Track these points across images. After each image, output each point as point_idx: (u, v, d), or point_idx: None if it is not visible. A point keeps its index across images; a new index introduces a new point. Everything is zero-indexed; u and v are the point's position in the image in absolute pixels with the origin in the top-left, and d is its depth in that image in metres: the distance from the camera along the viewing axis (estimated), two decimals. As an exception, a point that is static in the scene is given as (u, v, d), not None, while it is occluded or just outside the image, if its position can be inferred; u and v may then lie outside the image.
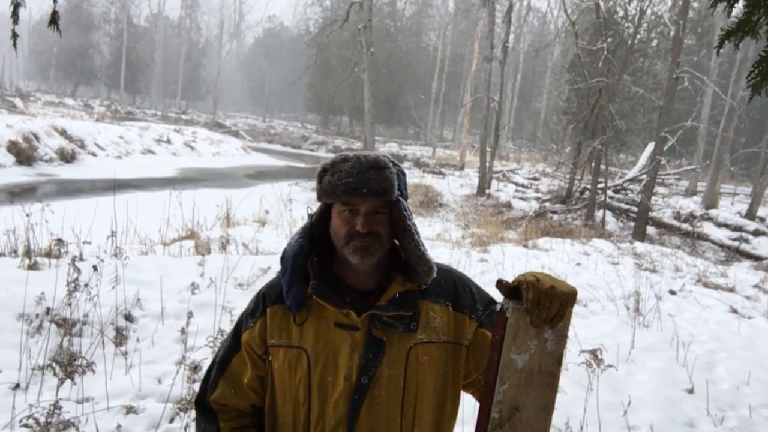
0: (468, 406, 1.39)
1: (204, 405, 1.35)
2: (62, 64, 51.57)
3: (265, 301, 1.31)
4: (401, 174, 1.28)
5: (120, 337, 3.88)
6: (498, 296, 1.13)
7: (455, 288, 1.32)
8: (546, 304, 1.05)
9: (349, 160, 1.22)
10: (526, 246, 8.58)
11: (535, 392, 1.10)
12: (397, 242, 1.30)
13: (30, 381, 3.27)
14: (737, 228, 13.17)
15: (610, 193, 14.98)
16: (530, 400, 1.10)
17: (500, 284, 1.10)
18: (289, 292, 1.25)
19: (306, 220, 1.33)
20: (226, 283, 4.82)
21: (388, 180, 1.21)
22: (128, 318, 4.11)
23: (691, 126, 15.77)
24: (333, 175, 1.21)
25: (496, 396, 1.09)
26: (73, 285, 3.75)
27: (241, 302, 4.47)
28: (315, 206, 1.35)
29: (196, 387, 3.31)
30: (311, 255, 1.29)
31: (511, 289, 1.09)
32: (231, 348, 1.34)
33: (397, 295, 1.25)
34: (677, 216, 14.25)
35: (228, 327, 3.83)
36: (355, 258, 1.22)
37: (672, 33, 13.66)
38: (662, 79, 17.88)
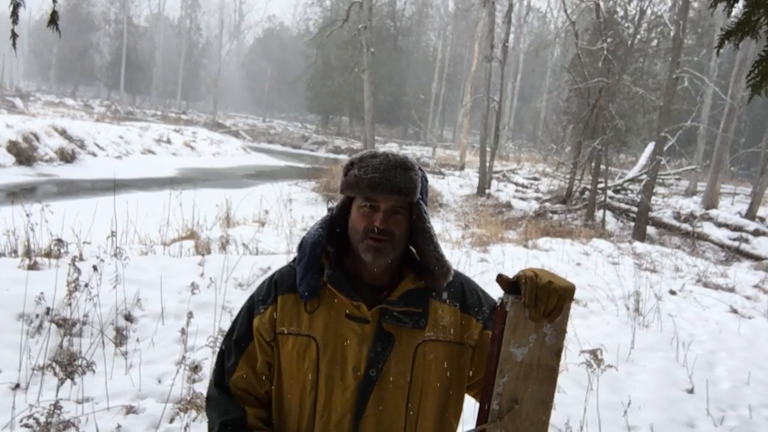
0: (468, 404, 1.40)
1: (224, 387, 1.31)
2: (62, 64, 51.57)
3: (276, 288, 1.32)
4: (424, 179, 1.31)
5: (120, 337, 3.88)
6: (499, 292, 1.14)
7: (463, 290, 1.35)
8: (544, 299, 1.08)
9: (377, 157, 1.25)
10: (526, 246, 8.59)
11: (534, 386, 1.12)
12: (412, 248, 1.33)
13: (30, 381, 3.27)
14: (737, 228, 13.17)
15: (610, 193, 14.98)
16: (529, 393, 1.12)
17: (500, 279, 1.13)
18: (304, 279, 1.26)
19: (327, 213, 1.35)
20: (226, 283, 4.82)
21: (413, 181, 1.24)
22: (128, 318, 4.11)
23: (691, 126, 15.78)
24: (360, 169, 1.24)
25: (495, 389, 1.10)
26: (73, 285, 3.75)
27: (242, 302, 4.46)
28: (322, 205, 1.36)
29: (197, 387, 3.33)
30: (328, 246, 1.31)
31: (511, 284, 1.11)
32: (246, 331, 1.33)
33: (408, 292, 1.27)
34: (677, 216, 14.26)
35: (228, 327, 3.83)
36: (368, 256, 1.24)
37: (672, 33, 13.67)
38: (662, 79, 17.89)
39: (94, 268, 4.03)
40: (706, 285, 7.22)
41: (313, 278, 1.26)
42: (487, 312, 1.34)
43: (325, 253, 1.30)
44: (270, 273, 1.41)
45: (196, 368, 3.53)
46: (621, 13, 17.77)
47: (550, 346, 1.11)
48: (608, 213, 14.25)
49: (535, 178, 22.33)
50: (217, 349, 1.41)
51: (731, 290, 7.04)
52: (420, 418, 1.27)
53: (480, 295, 1.37)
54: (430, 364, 1.26)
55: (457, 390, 1.33)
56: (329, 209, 1.35)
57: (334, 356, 1.24)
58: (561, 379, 3.88)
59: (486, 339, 1.30)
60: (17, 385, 3.20)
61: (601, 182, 14.20)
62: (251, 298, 1.37)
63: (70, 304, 3.81)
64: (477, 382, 1.33)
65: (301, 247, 1.30)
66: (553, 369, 1.12)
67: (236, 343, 1.33)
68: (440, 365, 1.28)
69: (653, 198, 13.82)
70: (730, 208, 17.24)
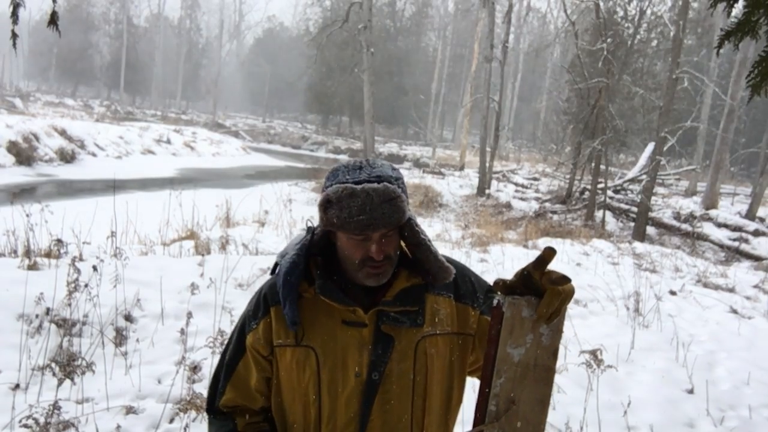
0: (470, 405, 1.40)
1: (214, 409, 1.34)
2: (62, 65, 51.55)
3: (267, 301, 1.29)
4: (402, 182, 1.25)
5: (120, 338, 3.88)
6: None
7: (455, 279, 1.33)
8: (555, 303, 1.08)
9: (357, 196, 1.15)
10: (525, 246, 8.59)
11: (531, 386, 1.12)
12: (405, 246, 1.31)
13: (30, 381, 3.27)
14: (737, 228, 13.16)
15: (609, 193, 14.98)
16: (526, 393, 1.12)
17: (497, 285, 1.12)
18: (285, 308, 1.23)
19: (306, 235, 1.30)
20: (225, 283, 4.82)
21: (401, 209, 1.18)
22: (128, 318, 4.11)
23: (691, 126, 15.78)
24: (342, 210, 1.15)
25: (492, 389, 1.10)
26: (72, 285, 3.75)
27: (241, 302, 4.47)
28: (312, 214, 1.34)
29: (196, 387, 3.32)
30: (315, 257, 1.28)
31: (508, 287, 1.11)
32: (236, 352, 1.32)
33: (403, 291, 1.26)
34: (677, 216, 14.25)
35: (228, 327, 3.83)
36: (370, 282, 1.22)
37: (672, 33, 13.67)
38: (662, 79, 17.89)
39: (94, 268, 4.03)
40: (706, 285, 7.22)
41: (291, 308, 1.22)
42: (481, 298, 1.33)
43: (314, 262, 1.27)
44: (268, 275, 1.39)
45: (195, 368, 3.53)
46: (621, 13, 17.77)
47: (547, 346, 1.11)
48: (608, 213, 14.26)
49: (534, 179, 22.33)
50: (216, 351, 1.40)
51: (731, 290, 7.04)
52: (426, 413, 1.27)
53: (473, 282, 1.36)
54: (432, 359, 1.26)
55: (459, 379, 1.33)
56: (309, 228, 1.30)
57: (335, 364, 1.23)
58: (561, 380, 3.89)
59: (484, 324, 1.29)
60: (17, 386, 3.20)
61: (600, 182, 14.20)
62: (242, 316, 1.35)
63: (69, 305, 3.80)
64: (479, 366, 1.32)
65: (277, 275, 1.27)
66: (550, 369, 1.13)
67: (227, 365, 1.33)
68: (442, 358, 1.27)
69: (653, 198, 13.82)
70: (730, 209, 17.24)
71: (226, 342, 1.39)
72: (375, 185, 1.16)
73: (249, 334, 1.30)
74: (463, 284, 1.34)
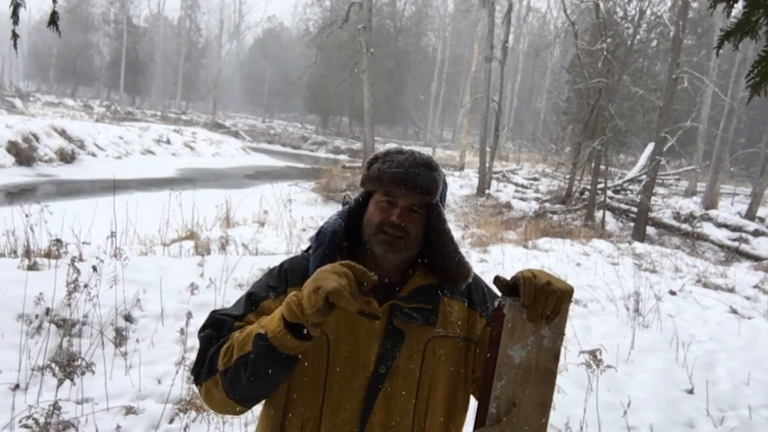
0: (472, 404, 1.40)
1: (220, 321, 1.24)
2: (62, 65, 51.54)
3: (287, 280, 1.29)
4: (445, 183, 1.31)
5: (119, 338, 3.88)
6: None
7: (469, 286, 1.35)
8: (542, 299, 1.07)
9: (403, 153, 1.27)
10: (525, 246, 8.58)
11: (532, 388, 1.11)
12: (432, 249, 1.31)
13: (29, 381, 3.27)
14: (737, 228, 13.17)
15: (609, 193, 14.98)
16: (527, 396, 1.11)
17: (497, 280, 1.12)
18: (321, 265, 1.21)
19: (344, 207, 1.35)
20: (225, 283, 4.82)
21: (435, 181, 1.25)
22: (128, 318, 4.11)
23: (691, 126, 15.78)
24: (384, 163, 1.25)
25: (493, 392, 1.10)
26: (72, 285, 3.75)
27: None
28: (334, 201, 1.35)
29: (196, 388, 3.32)
30: (341, 243, 1.29)
31: (509, 286, 1.11)
32: (247, 307, 1.26)
33: (419, 288, 1.27)
34: (677, 216, 14.26)
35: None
36: (380, 250, 1.23)
37: (671, 33, 13.67)
38: (662, 79, 17.90)
39: (94, 268, 4.03)
40: (705, 285, 7.22)
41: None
42: (490, 308, 1.34)
43: (340, 246, 1.29)
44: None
45: (195, 369, 3.53)
46: (621, 13, 17.79)
47: (549, 348, 1.11)
48: (608, 213, 14.25)
49: (534, 179, 22.32)
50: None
51: (731, 290, 7.04)
52: (429, 414, 1.27)
53: (485, 291, 1.38)
54: (440, 361, 1.26)
55: (465, 386, 1.33)
56: (345, 203, 1.34)
57: (345, 352, 1.23)
58: (561, 380, 3.88)
59: (487, 335, 1.29)
60: (17, 386, 3.20)
61: (600, 182, 14.20)
62: (257, 284, 1.31)
63: (69, 305, 3.80)
64: (476, 377, 1.32)
65: (319, 235, 1.28)
66: (551, 371, 1.12)
67: (250, 296, 1.27)
68: (449, 361, 1.28)
69: (653, 198, 13.83)
70: (730, 209, 17.25)
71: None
72: (422, 152, 1.29)
73: (266, 301, 1.26)
74: (476, 292, 1.36)
